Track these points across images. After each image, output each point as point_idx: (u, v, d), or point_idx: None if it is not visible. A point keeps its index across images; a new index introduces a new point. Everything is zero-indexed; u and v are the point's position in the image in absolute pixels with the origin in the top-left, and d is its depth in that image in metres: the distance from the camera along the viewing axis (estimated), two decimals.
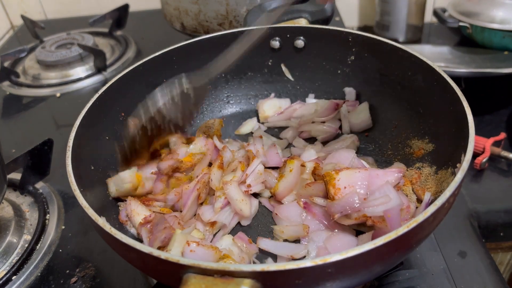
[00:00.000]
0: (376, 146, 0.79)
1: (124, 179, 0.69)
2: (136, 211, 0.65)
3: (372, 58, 0.79)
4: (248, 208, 0.67)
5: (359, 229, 0.62)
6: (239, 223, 0.69)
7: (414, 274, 0.64)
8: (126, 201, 0.69)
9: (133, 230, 0.67)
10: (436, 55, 1.21)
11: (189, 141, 0.79)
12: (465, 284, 0.64)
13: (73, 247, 0.74)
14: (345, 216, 0.58)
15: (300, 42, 0.85)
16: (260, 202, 0.71)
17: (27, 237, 0.76)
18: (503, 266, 0.95)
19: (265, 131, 0.87)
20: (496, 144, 0.90)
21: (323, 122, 0.82)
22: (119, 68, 1.29)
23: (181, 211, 0.68)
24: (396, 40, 1.30)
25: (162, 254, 0.42)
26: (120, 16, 1.43)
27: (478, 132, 0.93)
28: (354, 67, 0.83)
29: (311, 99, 0.89)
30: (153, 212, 0.67)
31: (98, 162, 0.70)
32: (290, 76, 0.90)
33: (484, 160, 0.87)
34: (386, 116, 0.80)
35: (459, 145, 0.58)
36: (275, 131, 0.87)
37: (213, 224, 0.66)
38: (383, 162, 0.76)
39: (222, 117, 0.90)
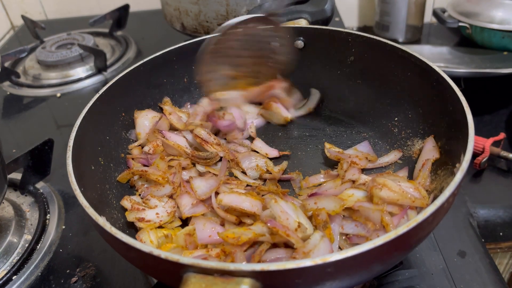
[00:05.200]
0: (375, 146, 0.79)
1: None
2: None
3: (372, 58, 0.79)
4: None
5: None
6: None
7: (414, 274, 0.64)
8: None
9: None
10: (435, 55, 1.22)
11: None
12: (464, 284, 0.65)
13: (74, 247, 0.75)
14: None
15: (300, 43, 0.85)
16: None
17: (28, 237, 0.77)
18: (502, 266, 0.95)
19: None
20: (496, 144, 0.91)
21: None
22: (120, 68, 1.29)
23: None
24: (395, 41, 1.30)
25: (162, 254, 0.42)
26: (121, 16, 1.43)
27: (477, 132, 0.93)
28: (354, 67, 0.83)
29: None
30: None
31: (98, 162, 0.70)
32: None
33: (483, 160, 0.87)
34: (386, 116, 0.80)
35: (458, 145, 0.58)
36: None
37: None
38: None
39: None
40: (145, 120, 0.80)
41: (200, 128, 0.78)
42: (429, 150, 0.68)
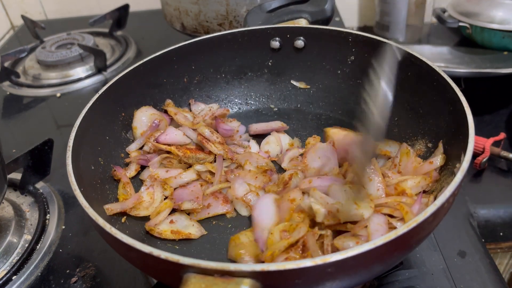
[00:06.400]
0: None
1: None
2: None
3: (372, 58, 0.79)
4: None
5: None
6: None
7: (414, 274, 0.64)
8: None
9: None
10: (436, 55, 1.21)
11: None
12: (464, 284, 0.64)
13: (73, 247, 0.74)
14: None
15: (300, 42, 0.85)
16: None
17: (28, 237, 0.77)
18: (502, 266, 0.95)
19: None
20: (496, 144, 0.90)
21: None
22: (120, 68, 1.29)
23: None
24: (396, 41, 1.30)
25: (162, 254, 0.42)
26: (120, 16, 1.43)
27: (477, 132, 0.92)
28: (354, 67, 0.83)
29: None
30: None
31: (98, 162, 0.70)
32: (302, 86, 0.90)
33: (483, 160, 0.87)
34: None
35: (459, 145, 0.58)
36: None
37: None
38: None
39: None
40: (143, 115, 0.80)
41: (203, 127, 0.78)
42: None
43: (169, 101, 0.86)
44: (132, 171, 0.75)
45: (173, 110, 0.83)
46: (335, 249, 0.55)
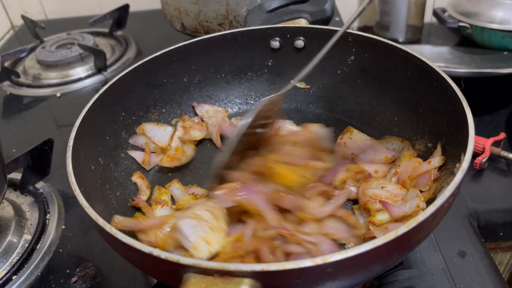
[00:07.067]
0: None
1: None
2: None
3: (372, 58, 0.79)
4: None
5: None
6: None
7: (414, 274, 0.64)
8: None
9: None
10: (435, 55, 1.22)
11: None
12: (464, 284, 0.64)
13: (74, 247, 0.74)
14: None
15: (300, 42, 0.85)
16: None
17: (28, 236, 0.77)
18: (502, 266, 0.95)
19: None
20: (496, 144, 0.90)
21: None
22: (120, 68, 1.29)
23: None
24: (396, 41, 1.30)
25: (162, 254, 0.42)
26: (121, 16, 1.43)
27: (477, 132, 0.93)
28: (354, 67, 0.83)
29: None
30: None
31: (98, 162, 0.70)
32: (302, 86, 0.90)
33: (483, 160, 0.87)
34: (386, 116, 0.80)
35: (459, 145, 0.58)
36: None
37: None
38: None
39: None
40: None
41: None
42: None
43: (185, 116, 0.87)
44: (144, 196, 0.73)
45: (189, 124, 0.84)
46: (286, 254, 0.57)
